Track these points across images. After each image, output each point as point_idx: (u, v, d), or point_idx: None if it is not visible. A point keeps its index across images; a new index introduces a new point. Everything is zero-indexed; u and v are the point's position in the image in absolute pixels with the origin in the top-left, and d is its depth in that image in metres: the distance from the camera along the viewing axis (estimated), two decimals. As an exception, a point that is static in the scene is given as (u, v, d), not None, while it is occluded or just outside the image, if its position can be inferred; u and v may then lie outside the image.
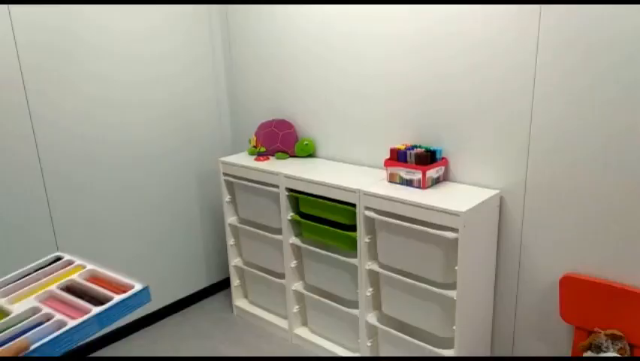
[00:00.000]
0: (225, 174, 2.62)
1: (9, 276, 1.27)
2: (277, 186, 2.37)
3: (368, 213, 2.05)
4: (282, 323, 2.63)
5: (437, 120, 2.10)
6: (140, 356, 2.53)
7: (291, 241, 2.43)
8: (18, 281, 1.26)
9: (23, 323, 1.10)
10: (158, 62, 2.58)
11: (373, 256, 2.16)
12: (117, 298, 1.14)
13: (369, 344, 2.27)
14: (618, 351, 1.73)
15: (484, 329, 2.14)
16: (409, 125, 2.20)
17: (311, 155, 2.61)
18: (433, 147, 2.08)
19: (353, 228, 2.13)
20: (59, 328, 1.06)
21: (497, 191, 1.97)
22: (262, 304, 2.78)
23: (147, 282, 1.20)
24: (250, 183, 2.49)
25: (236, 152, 2.94)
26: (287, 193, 2.34)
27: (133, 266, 2.63)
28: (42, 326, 1.07)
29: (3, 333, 1.06)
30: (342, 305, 2.31)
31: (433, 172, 2.04)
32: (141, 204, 2.64)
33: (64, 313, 1.12)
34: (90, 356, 2.55)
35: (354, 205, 2.10)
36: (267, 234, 2.50)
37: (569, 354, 1.94)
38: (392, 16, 2.12)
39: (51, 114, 2.22)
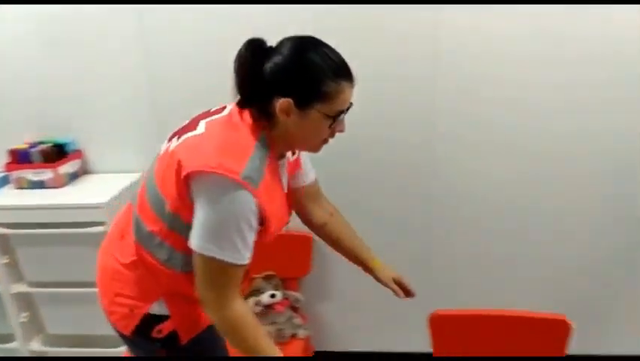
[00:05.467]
0: None
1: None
2: None
3: (-2, 230, 1.74)
4: None
5: (64, 112, 1.92)
6: None
7: None
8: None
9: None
10: None
11: (19, 277, 1.87)
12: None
13: (43, 373, 1.99)
14: (273, 288, 1.97)
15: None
16: (30, 120, 1.93)
17: None
18: (61, 140, 1.89)
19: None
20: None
21: (139, 174, 1.95)
22: None
23: None
24: None
25: None
26: None
27: None
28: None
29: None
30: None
31: (67, 167, 1.87)
32: None
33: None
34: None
35: (-23, 225, 1.74)
36: None
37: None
38: None
39: None
